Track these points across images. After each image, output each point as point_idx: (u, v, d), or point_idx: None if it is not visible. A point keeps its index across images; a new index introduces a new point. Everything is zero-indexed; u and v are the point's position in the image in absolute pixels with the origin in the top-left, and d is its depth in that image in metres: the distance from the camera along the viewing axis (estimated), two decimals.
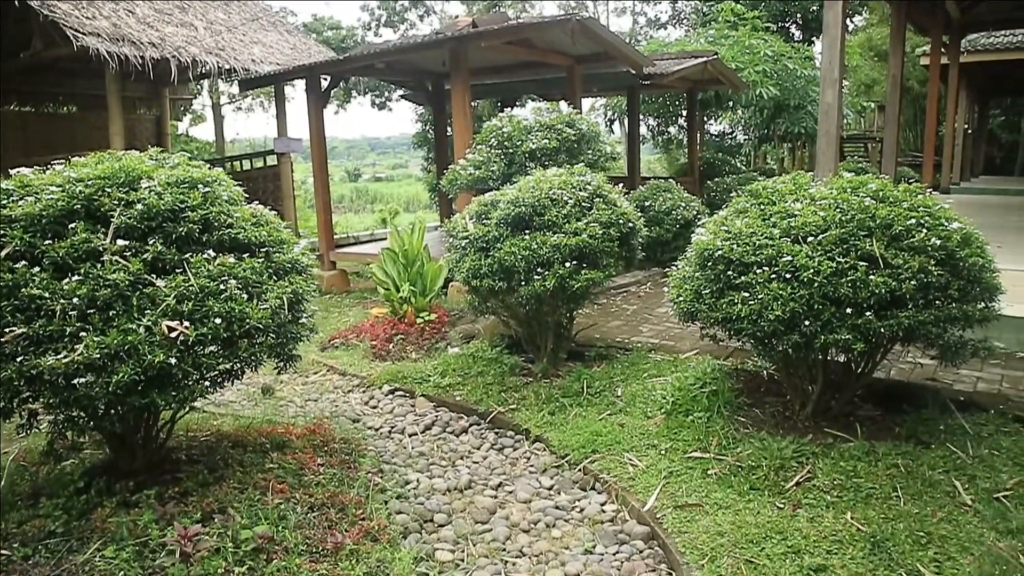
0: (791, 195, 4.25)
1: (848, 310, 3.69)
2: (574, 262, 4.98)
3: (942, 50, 13.46)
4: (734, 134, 22.93)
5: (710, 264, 4.15)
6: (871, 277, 3.64)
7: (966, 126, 18.81)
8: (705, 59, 11.91)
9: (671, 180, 10.96)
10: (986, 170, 24.37)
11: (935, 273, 3.68)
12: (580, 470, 4.37)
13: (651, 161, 28.65)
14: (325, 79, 10.40)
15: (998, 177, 22.63)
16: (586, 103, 20.53)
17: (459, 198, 8.13)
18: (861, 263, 3.70)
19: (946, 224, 3.88)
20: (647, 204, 9.87)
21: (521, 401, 5.27)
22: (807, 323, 3.73)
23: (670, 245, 9.70)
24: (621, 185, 6.05)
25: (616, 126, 22.17)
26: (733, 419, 4.48)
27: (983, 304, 3.89)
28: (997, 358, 5.34)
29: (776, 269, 3.83)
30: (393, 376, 6.04)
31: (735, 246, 4.03)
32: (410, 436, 5.07)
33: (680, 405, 4.67)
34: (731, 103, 16.89)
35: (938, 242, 3.74)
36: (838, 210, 3.91)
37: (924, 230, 3.79)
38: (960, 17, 13.03)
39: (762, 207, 4.27)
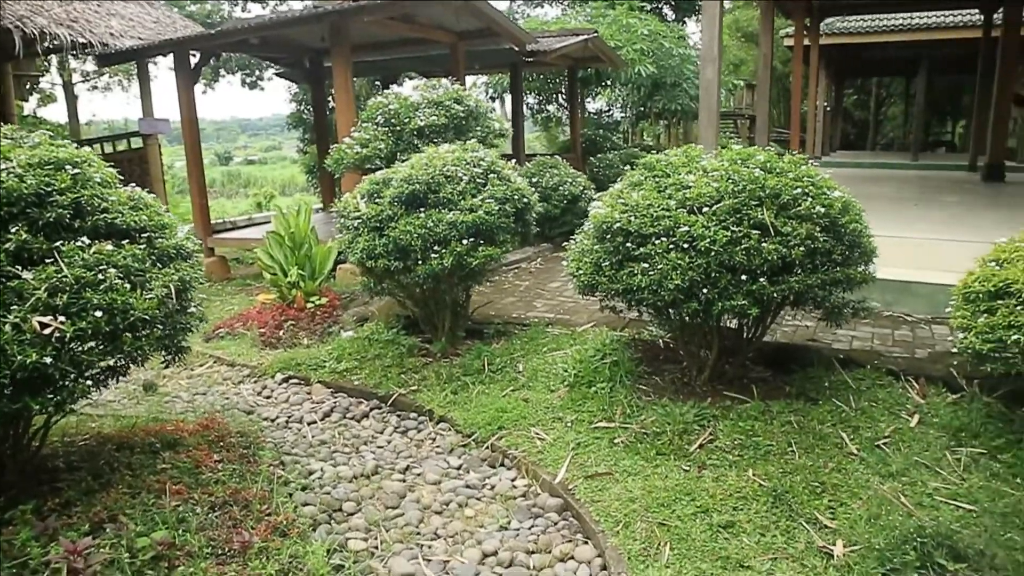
0: (684, 167, 4.35)
1: (743, 277, 3.84)
2: (471, 239, 4.92)
3: (804, 32, 14.25)
4: (611, 112, 23.44)
5: (609, 236, 4.20)
6: (763, 245, 3.79)
7: (825, 104, 20.06)
8: (586, 37, 12.06)
9: (557, 157, 11.07)
10: (843, 145, 26.17)
11: (821, 239, 3.88)
12: (488, 448, 4.35)
13: (530, 140, 28.91)
14: (195, 55, 9.77)
15: (853, 151, 24.35)
16: (468, 81, 20.40)
17: (345, 178, 7.87)
18: (754, 232, 3.84)
19: (828, 193, 4.08)
20: (535, 180, 9.91)
21: (422, 382, 5.18)
22: (705, 291, 3.85)
23: (558, 220, 9.82)
24: (513, 161, 6.04)
25: (498, 104, 22.16)
26: (635, 388, 4.58)
27: (863, 267, 4.14)
28: (867, 317, 5.72)
29: (674, 239, 3.92)
30: (286, 364, 5.80)
31: (633, 218, 4.09)
32: (309, 425, 4.88)
33: (582, 377, 4.73)
34: (610, 81, 17.25)
35: (822, 210, 3.93)
36: (730, 181, 4.03)
37: (809, 199, 3.98)
38: (819, 1, 13.81)
39: (657, 179, 4.35)
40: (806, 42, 14.79)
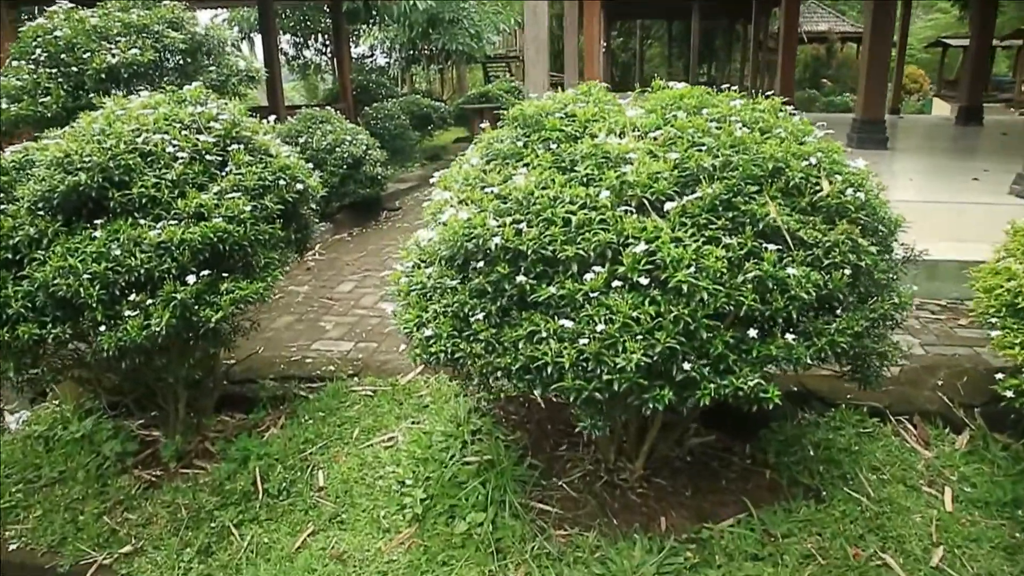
0: (596, 124, 2.41)
1: (752, 332, 2.02)
2: (206, 270, 2.63)
3: None
4: (375, 57, 20.97)
5: (483, 264, 2.17)
6: (789, 271, 1.98)
7: (604, 45, 19.20)
8: None
9: (329, 108, 8.64)
10: (613, 87, 25.88)
11: (866, 249, 2.15)
12: None
13: (288, 90, 25.47)
14: None
15: (620, 93, 24.05)
16: (203, 16, 16.83)
17: None
18: (769, 245, 2.02)
19: (847, 164, 2.36)
20: (302, 140, 7.52)
21: (144, 529, 2.86)
22: (688, 365, 1.98)
23: (337, 191, 7.52)
24: (273, 118, 3.73)
25: (246, 46, 18.75)
26: (531, 509, 2.65)
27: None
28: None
29: (620, 268, 1.99)
30: None
31: (528, 227, 2.10)
32: None
33: (437, 499, 2.71)
34: (377, 17, 14.83)
35: (861, 196, 2.20)
36: (701, 150, 2.16)
37: (834, 177, 2.23)
38: None
39: (551, 146, 2.38)
40: None
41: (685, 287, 1.91)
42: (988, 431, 3.23)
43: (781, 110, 2.52)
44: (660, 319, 1.93)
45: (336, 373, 3.82)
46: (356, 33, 17.69)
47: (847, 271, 2.06)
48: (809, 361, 2.05)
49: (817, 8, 25.81)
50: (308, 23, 15.95)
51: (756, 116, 2.37)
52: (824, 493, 2.73)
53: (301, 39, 18.10)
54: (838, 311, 2.14)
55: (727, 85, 2.95)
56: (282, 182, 3.02)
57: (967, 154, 8.77)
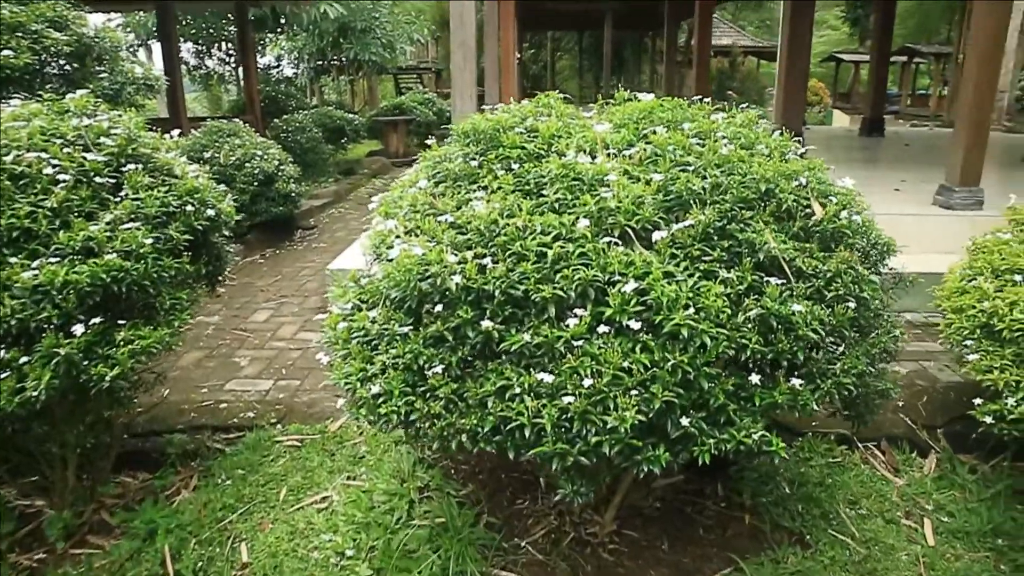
0: (561, 140, 2.12)
1: (756, 377, 1.76)
2: (98, 317, 2.19)
3: None
4: (281, 67, 20.19)
5: (442, 306, 1.84)
6: (793, 307, 1.74)
7: (519, 57, 19.09)
8: None
9: (237, 121, 8.07)
10: (525, 96, 25.83)
11: (867, 279, 1.94)
12: None
13: (189, 101, 24.23)
14: None
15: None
16: (96, 19, 15.70)
17: None
18: (769, 279, 1.77)
19: (834, 182, 2.16)
20: (208, 156, 6.97)
21: None
22: (686, 420, 1.70)
23: (248, 210, 6.99)
24: (176, 133, 3.27)
25: (143, 54, 17.67)
26: None
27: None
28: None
29: (607, 311, 1.70)
30: None
31: (491, 262, 1.79)
32: None
33: (386, 573, 2.34)
34: (285, 26, 14.20)
35: (858, 220, 1.99)
36: (687, 170, 1.90)
37: (827, 199, 2.01)
38: None
39: (513, 165, 2.07)
40: None
41: (684, 331, 1.63)
42: (953, 453, 3.14)
43: (756, 123, 2.30)
44: (655, 369, 1.65)
45: (256, 420, 3.38)
46: (262, 42, 16.95)
47: (851, 304, 1.84)
48: (815, 408, 1.82)
49: (720, 23, 26.63)
50: (211, 31, 15.12)
51: (736, 131, 2.13)
52: (808, 537, 2.52)
53: (203, 47, 17.18)
54: (840, 348, 1.91)
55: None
56: (189, 208, 2.60)
57: (879, 165, 8.99)
